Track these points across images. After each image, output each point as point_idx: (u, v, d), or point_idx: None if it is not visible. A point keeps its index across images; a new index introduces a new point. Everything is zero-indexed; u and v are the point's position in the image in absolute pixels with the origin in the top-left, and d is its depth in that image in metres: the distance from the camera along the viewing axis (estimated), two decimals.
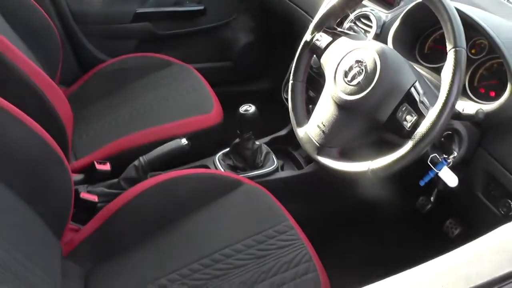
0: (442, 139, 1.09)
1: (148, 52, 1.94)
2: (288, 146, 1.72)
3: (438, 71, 1.25)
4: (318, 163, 1.13)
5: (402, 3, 1.39)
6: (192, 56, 2.11)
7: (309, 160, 1.63)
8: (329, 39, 1.17)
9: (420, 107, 0.97)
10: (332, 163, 1.08)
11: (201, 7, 2.10)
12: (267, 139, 1.70)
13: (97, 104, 1.70)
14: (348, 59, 1.09)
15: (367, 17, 1.42)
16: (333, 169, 1.08)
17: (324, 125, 1.11)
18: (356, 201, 1.75)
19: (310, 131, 1.16)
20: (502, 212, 1.12)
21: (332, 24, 1.20)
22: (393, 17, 1.37)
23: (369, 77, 1.03)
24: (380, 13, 1.40)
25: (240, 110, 1.45)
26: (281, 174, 1.56)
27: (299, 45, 1.69)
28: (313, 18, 1.67)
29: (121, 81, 1.78)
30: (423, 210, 1.57)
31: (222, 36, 2.23)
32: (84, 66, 1.95)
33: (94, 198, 1.32)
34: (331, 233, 1.68)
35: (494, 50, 1.10)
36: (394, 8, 1.40)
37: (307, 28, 1.67)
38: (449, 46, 0.94)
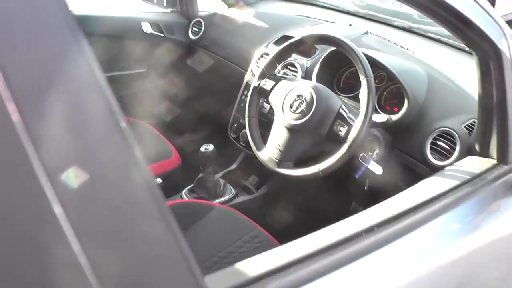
0: (367, 141, 1.46)
1: None
2: (237, 178, 2.03)
3: (352, 98, 1.65)
4: (278, 174, 1.45)
5: (317, 52, 1.79)
6: (142, 112, 2.38)
7: (259, 185, 1.95)
8: (273, 82, 1.51)
9: (348, 121, 1.34)
10: (291, 172, 1.41)
11: (144, 70, 2.39)
12: (220, 174, 2.00)
13: None
14: (291, 95, 1.45)
15: (292, 65, 1.81)
16: (291, 176, 1.41)
17: (279, 145, 1.44)
18: (304, 211, 2.07)
19: (269, 152, 1.48)
20: None
21: (272, 72, 1.56)
22: (313, 63, 1.75)
23: (309, 105, 1.39)
24: (302, 61, 1.79)
25: (201, 149, 1.74)
26: (240, 199, 1.87)
27: (236, 93, 2.04)
28: (245, 70, 2.04)
29: None
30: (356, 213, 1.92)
31: (167, 92, 2.49)
32: None
33: None
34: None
35: (392, 78, 1.51)
36: (312, 57, 1.79)
37: (241, 78, 2.03)
38: (362, 77, 1.33)
